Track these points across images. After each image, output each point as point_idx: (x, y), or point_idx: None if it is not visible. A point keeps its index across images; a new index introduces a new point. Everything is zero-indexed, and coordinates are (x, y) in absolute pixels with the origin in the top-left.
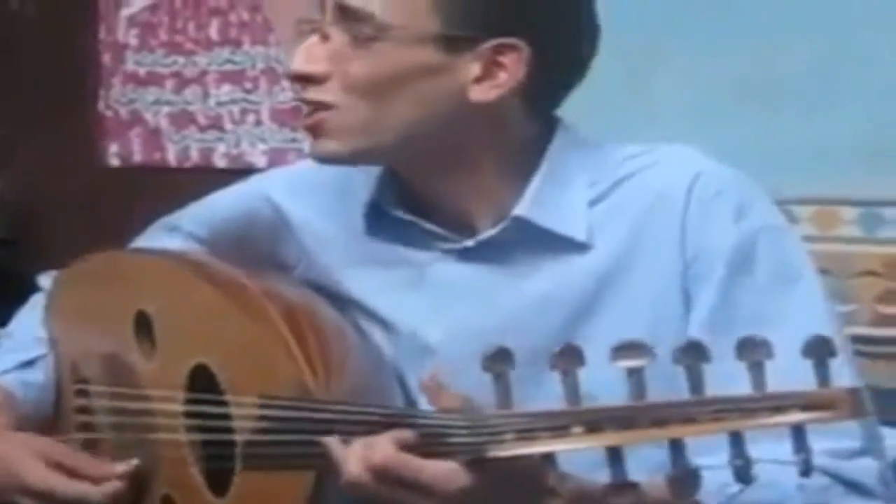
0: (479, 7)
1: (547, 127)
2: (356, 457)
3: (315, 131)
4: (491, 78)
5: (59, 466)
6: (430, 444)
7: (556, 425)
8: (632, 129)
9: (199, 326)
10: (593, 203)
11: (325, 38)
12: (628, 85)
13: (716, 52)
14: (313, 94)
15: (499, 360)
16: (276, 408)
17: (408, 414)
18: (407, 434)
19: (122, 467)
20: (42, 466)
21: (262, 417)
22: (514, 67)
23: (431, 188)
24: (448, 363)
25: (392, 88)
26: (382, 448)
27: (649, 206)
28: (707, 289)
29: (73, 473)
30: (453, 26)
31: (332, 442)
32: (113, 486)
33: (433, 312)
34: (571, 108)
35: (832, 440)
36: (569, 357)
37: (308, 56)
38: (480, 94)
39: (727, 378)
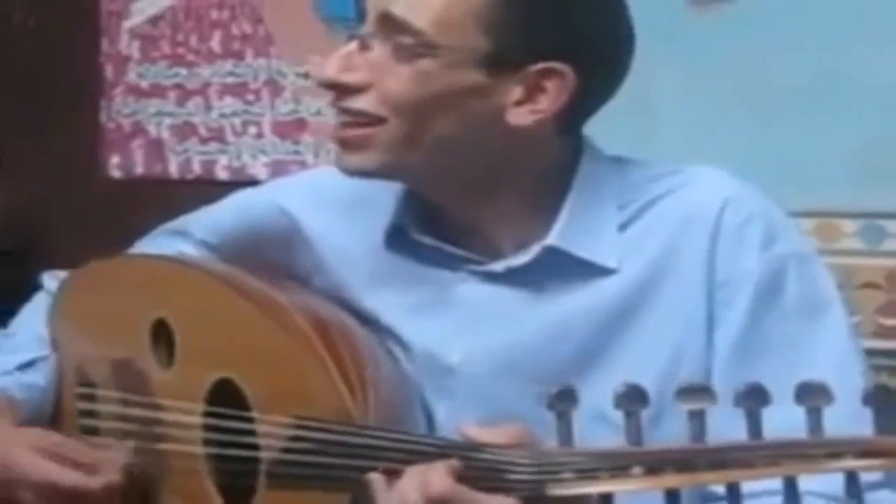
0: (528, 29)
1: (574, 146)
2: (413, 485)
3: (351, 144)
4: (531, 102)
5: (58, 458)
6: (488, 478)
7: (617, 465)
8: (631, 142)
9: (226, 340)
10: (623, 227)
11: (364, 46)
12: (626, 98)
13: (714, 65)
14: (353, 102)
15: (563, 399)
16: (315, 430)
17: (464, 447)
18: (457, 463)
19: (118, 457)
20: (41, 459)
21: (297, 438)
22: (556, 93)
23: (456, 210)
24: (468, 384)
25: (432, 107)
26: (440, 479)
27: (678, 230)
28: (733, 316)
29: (71, 464)
30: (501, 48)
31: (377, 479)
32: (111, 475)
33: (455, 333)
34: None
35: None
36: (633, 398)
37: (345, 64)
38: (519, 117)
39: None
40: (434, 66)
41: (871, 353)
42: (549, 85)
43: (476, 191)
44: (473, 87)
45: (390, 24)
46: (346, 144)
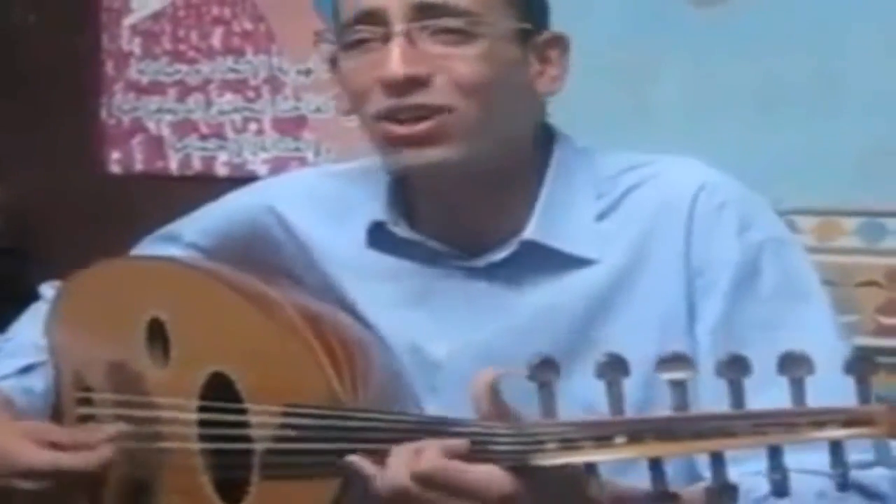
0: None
1: (546, 133)
2: (402, 463)
3: (426, 138)
4: (543, 73)
5: (50, 444)
6: (472, 451)
7: (600, 435)
8: (629, 140)
9: (217, 334)
10: (600, 218)
11: (411, 41)
12: (625, 96)
13: (715, 64)
14: (424, 97)
15: (544, 370)
16: (303, 416)
17: (446, 422)
18: (457, 443)
19: (107, 431)
20: (32, 446)
21: (287, 426)
22: (559, 58)
23: (452, 205)
24: (454, 379)
25: (497, 86)
26: (430, 455)
27: (654, 218)
28: (712, 301)
29: (63, 449)
30: (524, 19)
31: (359, 461)
32: (100, 453)
33: (440, 329)
34: (570, 120)
35: (851, 453)
36: (614, 367)
37: (405, 59)
38: (545, 85)
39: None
40: (489, 44)
41: (870, 351)
42: (553, 53)
43: (494, 175)
44: (516, 62)
45: (431, 12)
46: (419, 140)
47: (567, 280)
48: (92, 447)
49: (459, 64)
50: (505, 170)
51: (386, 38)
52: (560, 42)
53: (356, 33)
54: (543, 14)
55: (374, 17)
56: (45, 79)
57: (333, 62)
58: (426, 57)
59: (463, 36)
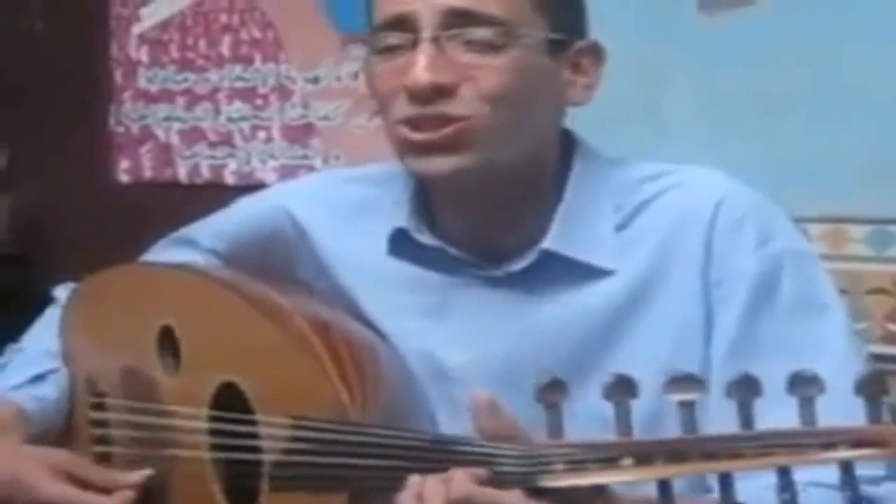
0: (571, 7)
1: (567, 143)
2: (438, 494)
3: (446, 146)
4: (575, 83)
5: (70, 477)
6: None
7: (607, 457)
8: (641, 147)
9: (228, 344)
10: (619, 228)
11: (439, 48)
12: (637, 103)
13: (724, 71)
14: (448, 107)
15: (552, 391)
16: (311, 429)
17: (455, 441)
18: (482, 471)
19: (133, 477)
20: (53, 478)
21: (295, 438)
22: (592, 68)
23: (473, 213)
24: (471, 387)
25: (525, 96)
26: (461, 481)
27: (674, 229)
28: (730, 314)
29: (83, 484)
30: (555, 29)
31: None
32: (123, 496)
33: (457, 338)
34: (583, 125)
35: (861, 468)
36: (622, 388)
37: (431, 66)
38: (577, 95)
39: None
40: (520, 54)
41: (878, 358)
42: (586, 62)
43: (515, 183)
44: (545, 72)
45: (463, 21)
46: (436, 147)
47: (586, 290)
48: (112, 491)
49: (487, 74)
50: (526, 178)
51: (414, 45)
52: (594, 51)
53: (386, 38)
54: (579, 22)
55: (404, 23)
56: (53, 87)
57: (365, 64)
58: (453, 65)
59: (495, 45)
